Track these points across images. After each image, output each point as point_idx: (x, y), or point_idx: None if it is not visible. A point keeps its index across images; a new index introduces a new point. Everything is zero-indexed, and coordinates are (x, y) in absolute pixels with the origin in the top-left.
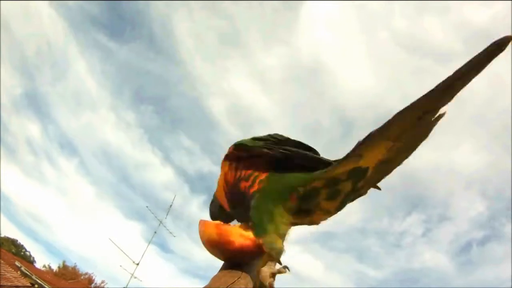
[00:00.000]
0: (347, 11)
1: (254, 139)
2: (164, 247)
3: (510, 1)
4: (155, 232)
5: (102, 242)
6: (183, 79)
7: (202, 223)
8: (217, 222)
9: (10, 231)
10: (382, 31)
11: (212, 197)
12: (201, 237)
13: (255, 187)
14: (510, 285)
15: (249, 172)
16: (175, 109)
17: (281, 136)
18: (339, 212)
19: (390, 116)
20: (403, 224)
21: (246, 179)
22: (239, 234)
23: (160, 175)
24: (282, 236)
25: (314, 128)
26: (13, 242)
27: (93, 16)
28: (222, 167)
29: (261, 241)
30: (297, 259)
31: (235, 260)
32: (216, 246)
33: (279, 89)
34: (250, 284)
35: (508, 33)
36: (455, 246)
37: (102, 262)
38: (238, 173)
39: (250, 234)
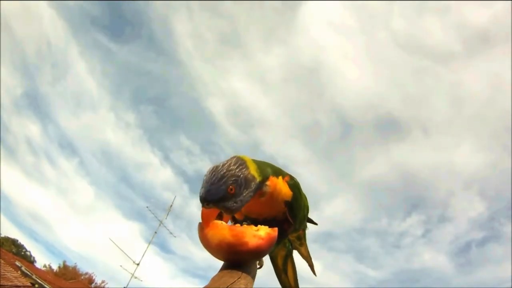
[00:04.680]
0: (346, 11)
1: None
2: (164, 247)
3: (510, 1)
4: (155, 232)
5: (102, 242)
6: (182, 79)
7: (210, 225)
8: (225, 223)
9: (11, 231)
10: (381, 31)
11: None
12: (209, 239)
13: None
14: (510, 285)
15: None
16: (175, 110)
17: None
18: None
19: (389, 117)
20: (403, 225)
21: None
22: (252, 235)
23: (160, 175)
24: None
25: (314, 128)
26: (14, 242)
27: (93, 16)
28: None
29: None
30: (295, 259)
31: (244, 261)
32: (229, 248)
33: (279, 89)
34: (250, 284)
35: (508, 33)
36: (455, 246)
37: (102, 262)
38: None
39: (262, 233)
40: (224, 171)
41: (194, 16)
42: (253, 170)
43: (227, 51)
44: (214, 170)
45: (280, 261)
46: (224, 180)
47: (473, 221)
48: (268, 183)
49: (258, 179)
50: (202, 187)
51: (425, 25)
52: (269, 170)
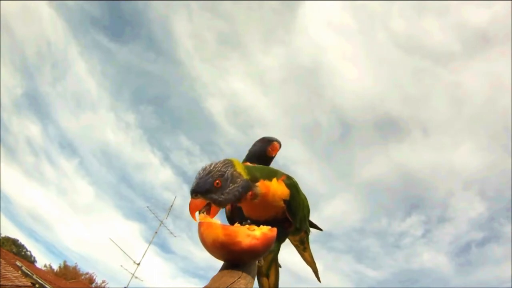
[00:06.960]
0: (345, 12)
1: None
2: (164, 247)
3: (510, 1)
4: (156, 232)
5: (103, 242)
6: (182, 79)
7: (205, 224)
8: (220, 223)
9: (11, 231)
10: (380, 32)
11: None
12: (204, 239)
13: None
14: (510, 286)
15: None
16: (175, 110)
17: None
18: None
19: (389, 118)
20: (403, 225)
21: None
22: (246, 234)
23: (160, 175)
24: None
25: (313, 129)
26: (14, 242)
27: (93, 17)
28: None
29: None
30: (296, 259)
31: (240, 261)
32: (223, 247)
33: (278, 89)
34: (250, 284)
35: (508, 34)
36: (455, 246)
37: (103, 262)
38: None
39: (256, 233)
40: (212, 168)
41: (194, 16)
42: (239, 169)
43: (226, 51)
44: (204, 168)
45: (264, 265)
46: (211, 174)
47: (473, 221)
48: (258, 184)
49: (245, 177)
50: (193, 182)
51: (425, 26)
52: (258, 174)
